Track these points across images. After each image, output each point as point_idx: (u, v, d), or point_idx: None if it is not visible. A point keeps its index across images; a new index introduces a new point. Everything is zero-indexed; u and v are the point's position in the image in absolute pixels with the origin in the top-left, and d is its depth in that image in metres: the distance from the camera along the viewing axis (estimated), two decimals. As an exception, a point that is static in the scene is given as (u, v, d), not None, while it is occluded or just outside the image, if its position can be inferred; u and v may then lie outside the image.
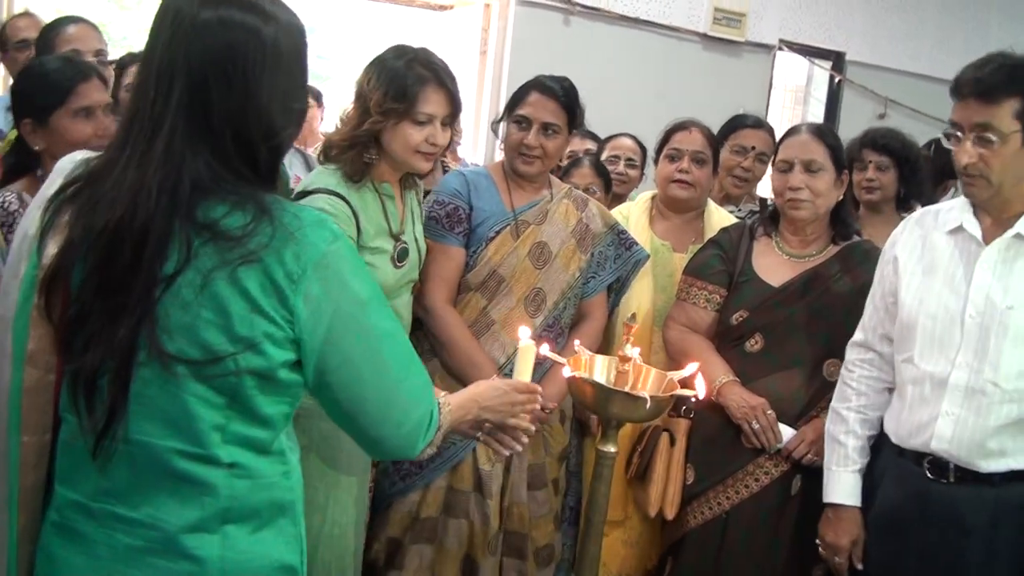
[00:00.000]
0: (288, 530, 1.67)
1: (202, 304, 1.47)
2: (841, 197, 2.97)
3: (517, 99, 3.00)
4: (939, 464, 2.37)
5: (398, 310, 2.60)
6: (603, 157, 4.15)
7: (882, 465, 2.54)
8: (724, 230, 3.20)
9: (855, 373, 2.62)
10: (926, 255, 2.46)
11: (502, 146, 3.09)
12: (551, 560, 3.14)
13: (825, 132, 3.01)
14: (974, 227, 2.37)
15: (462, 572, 2.99)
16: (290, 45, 1.55)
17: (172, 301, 1.46)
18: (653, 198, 3.51)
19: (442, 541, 2.97)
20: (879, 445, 2.57)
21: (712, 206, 3.52)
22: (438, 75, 2.56)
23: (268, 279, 1.48)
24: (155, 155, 1.47)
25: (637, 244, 3.21)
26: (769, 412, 2.80)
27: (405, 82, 2.50)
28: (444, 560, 2.97)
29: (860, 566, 2.57)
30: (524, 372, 2.12)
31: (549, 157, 3.01)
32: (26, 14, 4.19)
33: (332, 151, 2.59)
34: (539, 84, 3.00)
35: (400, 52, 2.58)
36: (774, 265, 2.97)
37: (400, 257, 2.63)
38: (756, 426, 2.79)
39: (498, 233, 2.96)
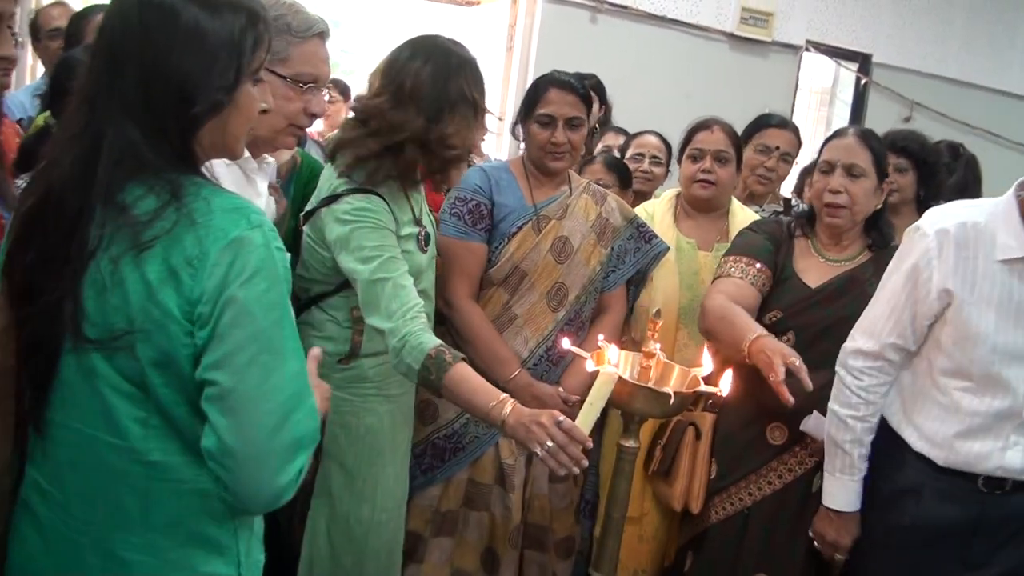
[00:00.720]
0: (225, 542, 1.58)
1: (113, 289, 1.45)
2: (880, 205, 2.93)
3: (535, 98, 2.99)
4: (996, 480, 2.39)
5: (427, 290, 2.62)
6: (628, 155, 4.14)
7: (915, 480, 2.48)
8: (765, 222, 3.16)
9: (864, 382, 2.53)
10: (983, 285, 2.35)
11: (523, 147, 3.09)
12: (571, 552, 3.16)
13: (871, 137, 2.94)
14: None
15: (483, 564, 3.01)
16: (218, 28, 1.52)
17: (91, 284, 1.45)
18: (677, 196, 3.50)
19: (463, 534, 2.99)
20: (899, 457, 2.51)
21: (737, 205, 3.51)
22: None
23: (166, 266, 1.43)
24: (78, 127, 1.51)
25: (657, 237, 3.21)
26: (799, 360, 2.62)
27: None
28: (465, 553, 2.99)
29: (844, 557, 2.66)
30: (596, 404, 2.12)
31: (576, 150, 3.02)
32: (59, 3, 4.23)
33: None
34: (555, 80, 3.00)
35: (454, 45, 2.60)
36: (812, 266, 2.94)
37: (426, 241, 2.64)
38: (799, 362, 2.55)
39: (520, 229, 2.96)
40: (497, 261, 2.95)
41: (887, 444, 2.55)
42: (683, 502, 2.96)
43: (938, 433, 2.44)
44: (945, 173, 3.89)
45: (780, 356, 2.52)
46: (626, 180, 3.86)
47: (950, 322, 2.39)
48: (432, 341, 2.28)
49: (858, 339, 2.55)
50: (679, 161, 3.49)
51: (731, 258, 2.99)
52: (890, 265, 2.54)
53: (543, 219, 2.99)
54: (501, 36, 6.41)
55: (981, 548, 2.45)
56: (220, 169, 2.07)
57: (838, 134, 3.02)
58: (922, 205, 3.70)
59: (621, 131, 4.49)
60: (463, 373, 2.24)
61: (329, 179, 2.53)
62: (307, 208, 2.55)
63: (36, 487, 1.57)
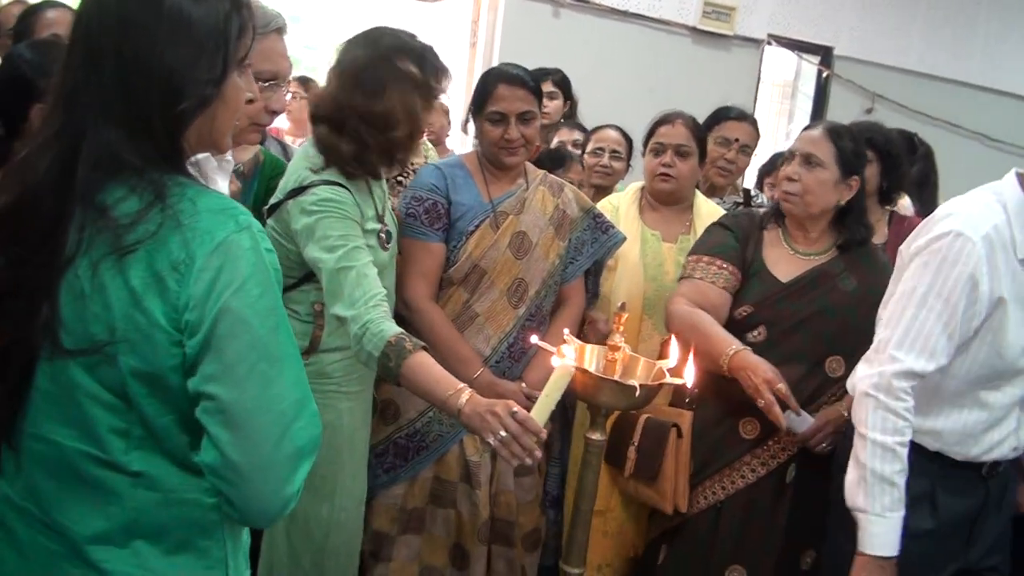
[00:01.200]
0: (213, 553, 1.52)
1: (93, 296, 1.36)
2: (844, 202, 2.92)
3: (484, 95, 2.95)
4: (996, 463, 2.46)
5: (389, 288, 2.60)
6: (588, 149, 4.14)
7: (926, 486, 2.39)
8: (734, 216, 3.17)
9: (908, 402, 2.28)
10: (1013, 286, 2.29)
11: (476, 143, 3.07)
12: (538, 545, 3.15)
13: (840, 134, 2.92)
14: None
15: (452, 561, 3.00)
16: (203, 15, 1.43)
17: (68, 290, 1.38)
18: (642, 189, 3.51)
19: (430, 531, 2.98)
20: (915, 466, 2.32)
21: (701, 198, 3.53)
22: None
23: (151, 271, 1.35)
24: (54, 128, 1.42)
25: (614, 227, 3.21)
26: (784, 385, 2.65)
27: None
28: (433, 549, 2.98)
29: None
30: (552, 396, 2.11)
31: (531, 144, 3.00)
32: (18, 2, 4.17)
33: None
34: (503, 75, 2.96)
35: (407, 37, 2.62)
36: (782, 259, 2.95)
37: (387, 239, 2.64)
38: (785, 388, 2.59)
39: (477, 227, 2.94)
40: (456, 260, 2.92)
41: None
42: (673, 503, 2.93)
43: (961, 431, 2.39)
44: (908, 165, 3.91)
45: (765, 383, 2.57)
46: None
47: (995, 329, 2.30)
48: (393, 329, 2.27)
49: (905, 358, 2.28)
50: (643, 154, 3.50)
51: (694, 259, 2.99)
52: (924, 274, 2.31)
53: (500, 215, 2.97)
54: (464, 31, 6.40)
55: (980, 526, 2.48)
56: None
57: (809, 127, 3.05)
58: (885, 197, 3.73)
59: (576, 126, 4.47)
60: (422, 361, 2.23)
61: (295, 172, 2.52)
62: (272, 201, 2.54)
63: (8, 503, 1.49)
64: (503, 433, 2.07)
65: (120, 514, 1.44)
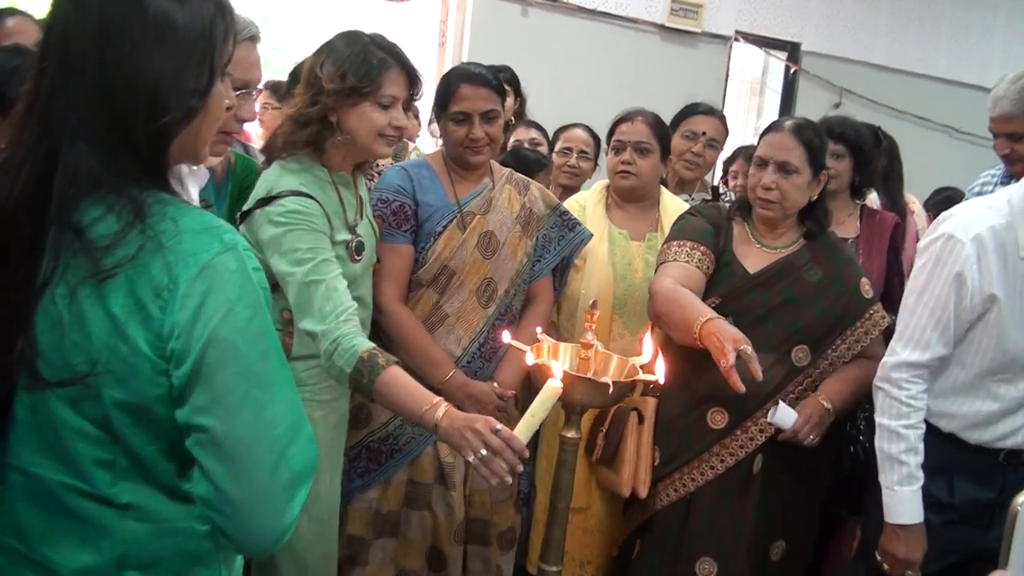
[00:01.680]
0: None
1: (72, 324, 1.29)
2: (815, 197, 2.96)
3: (447, 95, 2.93)
4: (1015, 453, 2.57)
5: (363, 297, 2.59)
6: (556, 149, 4.15)
7: (943, 459, 2.58)
8: (703, 208, 3.17)
9: (912, 390, 2.56)
10: (1016, 283, 2.49)
11: (440, 143, 3.06)
12: (513, 543, 3.16)
13: (806, 131, 2.93)
14: None
15: (428, 563, 2.99)
16: (189, 20, 1.35)
17: (44, 317, 1.30)
18: (607, 187, 3.52)
19: (405, 534, 2.97)
20: (927, 440, 2.57)
21: (667, 195, 3.54)
22: (400, 58, 2.53)
23: (132, 297, 1.28)
24: (27, 141, 1.33)
25: (580, 224, 3.21)
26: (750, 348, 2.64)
27: (370, 63, 2.46)
28: (408, 552, 2.97)
29: None
30: (538, 416, 2.08)
31: (496, 142, 3.00)
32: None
33: (279, 141, 2.54)
34: (465, 75, 2.95)
35: (353, 37, 2.53)
36: (750, 252, 2.98)
37: (358, 250, 2.60)
38: (750, 350, 2.56)
39: (445, 228, 2.93)
40: (425, 262, 2.91)
41: (929, 441, 2.60)
42: (631, 487, 2.96)
43: (973, 418, 2.58)
44: (879, 160, 3.95)
45: (731, 341, 2.51)
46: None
47: (992, 323, 2.49)
48: (364, 344, 2.24)
49: (902, 352, 2.57)
50: (607, 152, 3.52)
51: (675, 243, 2.99)
52: (921, 274, 2.56)
53: (467, 215, 2.96)
54: (433, 31, 6.38)
55: (1001, 515, 2.49)
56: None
57: (774, 128, 3.02)
58: (856, 191, 3.76)
59: (532, 124, 4.46)
60: (395, 376, 2.20)
61: (265, 181, 2.49)
62: (243, 208, 2.51)
63: None
64: (483, 452, 2.05)
65: (111, 548, 1.37)
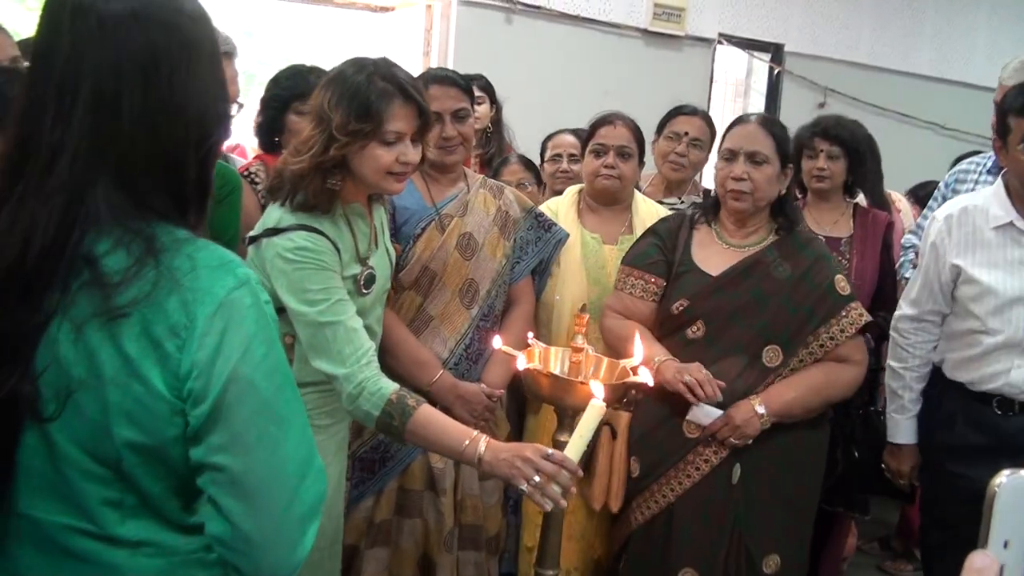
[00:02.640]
0: None
1: (78, 361, 1.24)
2: (784, 190, 2.99)
3: None
4: (1005, 401, 2.97)
5: (372, 326, 2.53)
6: (546, 156, 4.15)
7: (950, 408, 3.09)
8: (663, 220, 3.22)
9: (910, 339, 3.17)
10: (986, 251, 2.98)
11: None
12: (499, 549, 3.18)
13: (773, 123, 3.01)
14: (1021, 222, 2.93)
15: (420, 572, 2.99)
16: (207, 36, 1.35)
17: (46, 353, 1.24)
18: (580, 191, 3.52)
19: (398, 543, 2.97)
20: (941, 392, 3.14)
21: (639, 197, 3.55)
22: (404, 88, 2.33)
23: (147, 337, 1.24)
24: (53, 187, 1.25)
25: (556, 225, 3.25)
26: (704, 372, 2.79)
27: (369, 99, 2.28)
28: (400, 561, 2.97)
29: (916, 482, 3.30)
30: (585, 436, 2.07)
31: (468, 141, 3.03)
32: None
33: (286, 185, 2.36)
34: (434, 77, 2.99)
35: (359, 66, 2.35)
36: (713, 255, 2.99)
37: (367, 284, 2.48)
38: (689, 379, 2.75)
39: (424, 230, 2.95)
40: (405, 264, 2.92)
41: (931, 385, 3.19)
42: (602, 501, 2.96)
43: (962, 360, 3.05)
44: (871, 159, 3.98)
45: (684, 370, 2.79)
46: (541, 178, 3.93)
47: (965, 285, 3.00)
48: (391, 386, 2.23)
49: (903, 307, 3.19)
50: (581, 156, 3.53)
51: (623, 271, 3.11)
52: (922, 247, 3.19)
53: (445, 218, 2.98)
54: (418, 41, 6.39)
55: (999, 466, 2.66)
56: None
57: (740, 121, 3.08)
58: (849, 191, 3.79)
59: (527, 165, 4.30)
60: (428, 415, 2.20)
61: (274, 209, 2.39)
62: (251, 234, 2.42)
63: None
64: (536, 478, 2.04)
65: None
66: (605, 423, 2.96)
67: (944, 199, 3.81)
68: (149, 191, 1.29)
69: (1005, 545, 0.65)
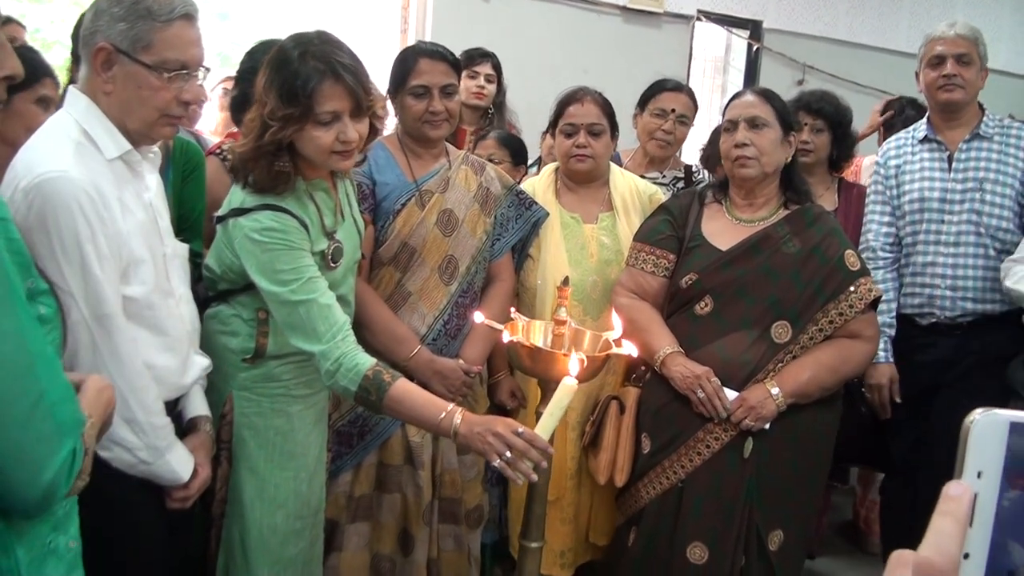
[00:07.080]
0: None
1: None
2: (789, 159, 2.99)
3: (406, 70, 2.93)
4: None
5: (345, 296, 2.54)
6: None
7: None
8: (675, 196, 3.23)
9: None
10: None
11: (398, 122, 3.04)
12: (480, 521, 3.19)
13: (770, 94, 3.02)
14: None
15: (399, 546, 3.01)
16: None
17: None
18: (556, 171, 3.47)
19: (378, 517, 2.98)
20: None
21: (616, 171, 3.49)
22: (333, 68, 2.25)
23: None
24: None
25: (536, 203, 3.23)
26: (713, 380, 2.81)
27: (295, 82, 2.22)
28: (381, 535, 2.99)
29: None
30: (556, 414, 2.08)
31: (453, 117, 3.00)
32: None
33: (239, 167, 2.36)
34: (424, 51, 2.98)
35: (295, 42, 2.30)
36: (723, 230, 2.98)
37: (334, 258, 2.47)
38: (701, 395, 2.80)
39: (404, 206, 2.94)
40: (384, 240, 2.92)
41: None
42: (608, 474, 2.98)
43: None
44: (854, 134, 4.00)
45: (695, 380, 2.83)
46: (518, 156, 3.89)
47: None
48: (367, 362, 2.24)
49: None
50: (552, 134, 3.47)
51: (635, 247, 3.11)
52: None
53: (426, 194, 2.97)
54: (395, 18, 6.36)
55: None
56: (100, 167, 2.00)
57: (738, 95, 3.10)
58: (834, 165, 3.81)
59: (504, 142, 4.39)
60: (405, 389, 2.22)
61: (239, 190, 2.39)
62: (219, 213, 2.42)
63: None
64: (508, 454, 2.06)
65: None
66: (613, 398, 3.00)
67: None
68: None
69: (979, 475, 0.69)
